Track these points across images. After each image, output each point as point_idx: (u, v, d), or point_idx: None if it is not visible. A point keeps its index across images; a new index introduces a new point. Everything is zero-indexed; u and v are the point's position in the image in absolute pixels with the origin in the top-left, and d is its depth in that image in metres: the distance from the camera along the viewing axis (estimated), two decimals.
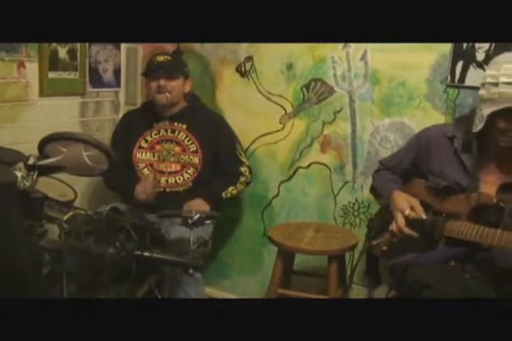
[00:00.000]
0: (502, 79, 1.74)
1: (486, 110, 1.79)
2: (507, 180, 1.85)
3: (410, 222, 1.91)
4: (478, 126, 1.83)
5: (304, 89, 2.63)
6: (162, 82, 2.53)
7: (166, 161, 2.61)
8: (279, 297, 2.36)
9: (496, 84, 1.75)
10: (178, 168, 2.60)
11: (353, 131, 2.56)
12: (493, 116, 1.78)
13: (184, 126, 2.62)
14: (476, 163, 1.90)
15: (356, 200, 2.60)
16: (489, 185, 1.88)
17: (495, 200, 1.83)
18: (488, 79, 1.79)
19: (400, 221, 1.91)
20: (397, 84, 2.42)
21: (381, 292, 2.03)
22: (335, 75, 2.55)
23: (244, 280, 2.92)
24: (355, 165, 2.58)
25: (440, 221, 1.90)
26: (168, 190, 2.59)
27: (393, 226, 1.95)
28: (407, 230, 1.90)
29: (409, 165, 2.09)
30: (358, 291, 2.57)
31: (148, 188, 2.49)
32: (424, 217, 1.90)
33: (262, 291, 2.74)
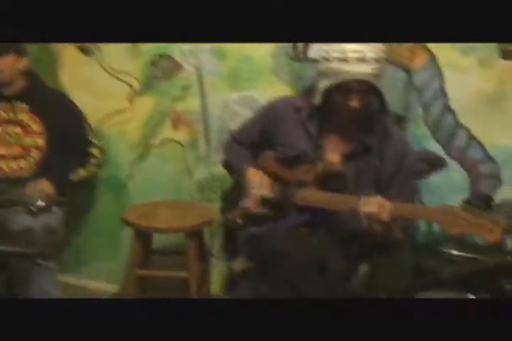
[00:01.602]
0: (333, 55, 1.81)
1: (322, 84, 1.86)
2: (349, 149, 1.94)
3: (258, 200, 1.95)
4: (317, 99, 1.90)
5: (151, 66, 2.56)
6: None
7: (7, 144, 2.42)
8: (139, 277, 2.32)
9: (328, 59, 1.82)
10: (21, 151, 2.43)
11: (204, 107, 2.54)
12: (328, 90, 1.85)
13: (26, 107, 2.44)
14: (320, 132, 1.97)
15: (212, 175, 2.60)
16: (333, 153, 1.96)
17: (338, 168, 1.92)
18: (323, 54, 1.86)
19: (251, 200, 1.95)
20: (243, 58, 2.43)
21: (238, 264, 2.06)
22: (181, 50, 2.51)
23: (104, 265, 2.82)
24: (207, 141, 2.58)
25: (290, 190, 1.95)
26: (11, 176, 2.41)
27: (245, 204, 1.98)
28: (258, 209, 1.95)
29: (259, 136, 2.12)
30: (217, 265, 2.60)
31: None
32: (271, 196, 1.95)
33: (123, 275, 2.67)
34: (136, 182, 2.71)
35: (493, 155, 2.22)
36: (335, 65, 1.80)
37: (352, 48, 1.78)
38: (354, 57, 1.77)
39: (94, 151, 2.50)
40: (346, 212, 1.83)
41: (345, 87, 1.81)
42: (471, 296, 0.76)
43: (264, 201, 1.96)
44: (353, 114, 1.87)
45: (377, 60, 1.79)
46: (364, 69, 1.78)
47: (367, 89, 1.82)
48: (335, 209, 1.86)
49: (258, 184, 1.97)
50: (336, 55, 1.80)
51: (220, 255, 2.54)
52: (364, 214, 1.73)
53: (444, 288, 0.80)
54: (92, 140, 2.52)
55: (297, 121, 2.00)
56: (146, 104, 2.61)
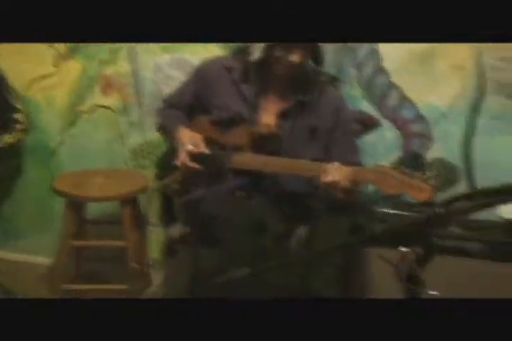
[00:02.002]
0: None
1: None
2: (284, 107, 1.93)
3: (195, 157, 1.91)
4: (256, 54, 1.86)
5: None
6: None
7: None
8: (73, 248, 2.27)
9: None
10: None
11: (135, 70, 2.46)
12: (270, 45, 1.81)
13: None
14: (255, 92, 1.94)
15: (146, 141, 2.54)
16: (269, 114, 1.95)
17: (273, 130, 1.91)
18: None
19: (183, 155, 1.90)
20: None
21: (176, 230, 2.03)
22: None
23: (37, 237, 2.74)
24: (140, 106, 2.51)
25: (225, 154, 1.93)
26: None
27: (177, 161, 1.94)
28: (190, 164, 1.90)
29: (193, 99, 2.07)
30: (155, 233, 2.57)
31: None
32: (205, 151, 1.91)
33: (57, 247, 2.60)
34: (67, 150, 2.63)
35: (424, 114, 2.26)
36: None
37: None
38: None
39: (19, 117, 2.39)
40: (283, 173, 1.84)
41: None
42: (403, 249, 0.77)
43: (197, 157, 1.91)
44: (291, 70, 1.85)
45: None
46: None
47: (307, 44, 1.81)
48: (271, 172, 1.86)
49: (189, 140, 1.92)
50: None
51: (157, 222, 2.51)
52: (326, 184, 1.71)
53: (377, 244, 0.81)
54: (16, 105, 2.40)
55: (230, 82, 1.96)
56: (74, 68, 2.50)
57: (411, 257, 0.78)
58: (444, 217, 0.78)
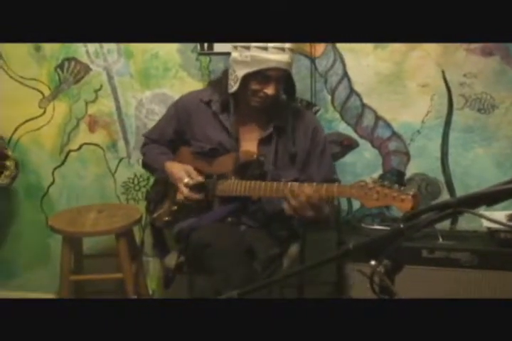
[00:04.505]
0: (253, 44, 1.86)
1: (240, 72, 1.90)
2: (264, 134, 2.01)
3: (192, 187, 1.98)
4: (233, 87, 1.94)
5: (59, 70, 2.54)
6: None
7: None
8: (73, 283, 2.32)
9: (247, 48, 1.87)
10: None
11: (118, 108, 2.55)
12: (246, 78, 1.90)
13: None
14: (234, 122, 2.02)
15: (135, 175, 2.62)
16: (249, 141, 2.03)
17: (255, 156, 1.99)
18: (241, 43, 1.90)
19: (184, 189, 1.97)
20: (150, 56, 2.46)
21: (171, 259, 2.08)
22: (87, 52, 2.50)
23: (35, 275, 2.78)
24: (126, 141, 2.59)
25: (211, 183, 2.00)
26: None
27: (179, 196, 2.00)
28: (192, 196, 1.96)
29: (173, 134, 2.15)
30: (152, 263, 2.63)
31: None
32: (201, 180, 1.98)
33: (56, 283, 2.65)
34: (59, 189, 2.69)
35: (399, 132, 2.36)
36: (255, 53, 1.85)
37: None
38: (274, 46, 1.84)
39: (9, 164, 2.45)
40: (268, 197, 1.90)
41: (263, 75, 1.88)
42: (373, 262, 0.84)
43: (196, 187, 1.98)
44: (266, 101, 1.93)
45: (291, 49, 1.87)
46: (283, 58, 1.86)
47: (281, 76, 1.90)
48: (257, 196, 1.92)
49: (184, 173, 1.98)
50: (256, 43, 1.84)
51: (153, 253, 2.57)
52: (294, 205, 1.76)
53: (350, 257, 0.88)
54: (7, 152, 2.46)
55: (209, 114, 2.04)
56: (59, 109, 2.59)
57: (380, 270, 0.85)
58: (406, 231, 0.86)
